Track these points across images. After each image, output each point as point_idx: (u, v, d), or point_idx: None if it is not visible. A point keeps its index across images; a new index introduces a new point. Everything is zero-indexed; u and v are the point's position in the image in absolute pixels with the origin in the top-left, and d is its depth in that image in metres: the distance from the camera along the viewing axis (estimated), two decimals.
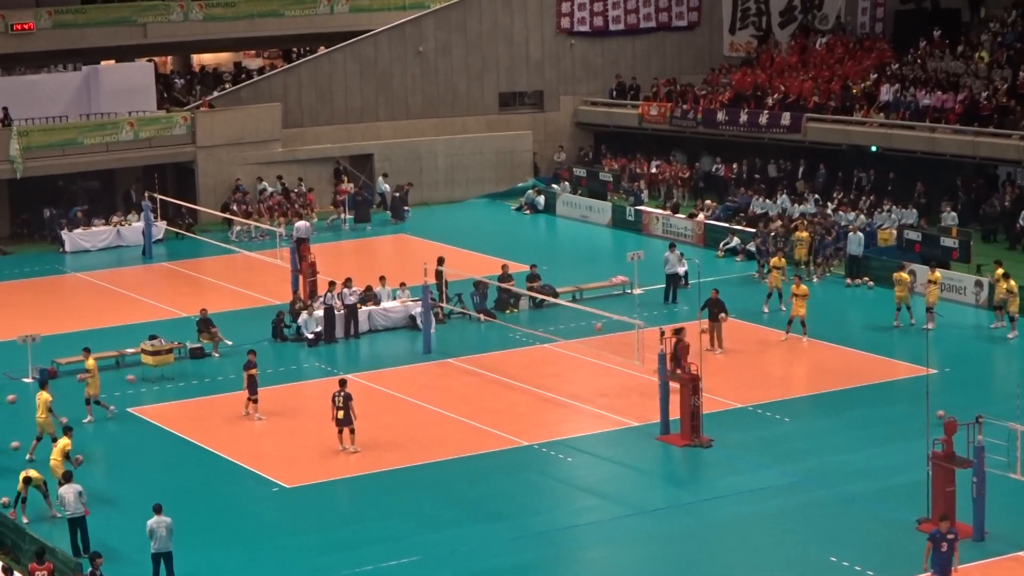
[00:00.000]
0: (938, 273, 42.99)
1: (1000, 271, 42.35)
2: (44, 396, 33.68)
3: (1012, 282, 41.81)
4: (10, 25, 60.27)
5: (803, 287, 41.75)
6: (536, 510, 30.62)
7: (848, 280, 47.23)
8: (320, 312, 42.80)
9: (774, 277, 44.41)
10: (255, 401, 36.33)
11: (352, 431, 33.65)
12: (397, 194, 59.30)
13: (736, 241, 51.24)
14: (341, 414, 33.53)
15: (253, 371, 36.20)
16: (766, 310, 44.08)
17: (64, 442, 31.12)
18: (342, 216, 58.08)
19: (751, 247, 49.57)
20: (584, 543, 29.34)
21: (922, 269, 44.34)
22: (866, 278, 46.82)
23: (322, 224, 57.07)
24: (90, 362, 36.69)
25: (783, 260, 45.12)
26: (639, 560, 28.45)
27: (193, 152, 59.08)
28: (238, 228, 56.16)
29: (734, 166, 59.87)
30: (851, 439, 33.90)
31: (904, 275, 42.76)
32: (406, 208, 58.92)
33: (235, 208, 57.20)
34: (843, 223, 49.74)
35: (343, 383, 34.10)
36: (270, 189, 58.77)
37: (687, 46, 66.97)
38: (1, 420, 36.08)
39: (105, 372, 40.14)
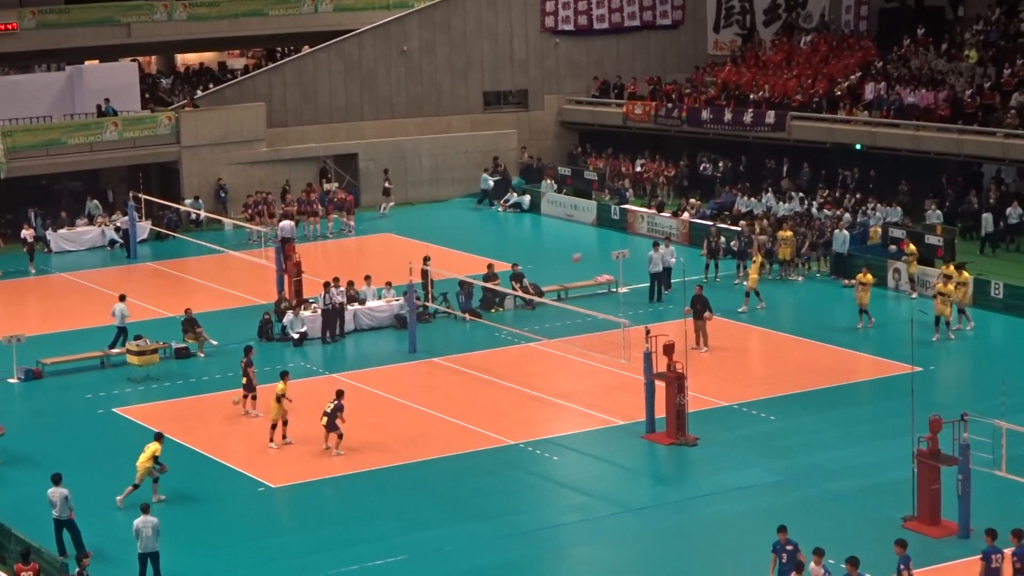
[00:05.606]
0: (870, 276, 42.89)
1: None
2: (154, 446, 31.25)
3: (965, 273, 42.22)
4: None
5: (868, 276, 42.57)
6: (522, 509, 30.63)
7: (844, 281, 46.83)
8: (307, 312, 42.78)
9: (753, 279, 44.42)
10: (254, 398, 36.39)
11: (339, 436, 33.56)
12: (534, 165, 59.67)
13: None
14: (324, 420, 33.49)
15: (251, 368, 36.30)
16: (744, 308, 44.16)
17: (155, 446, 30.99)
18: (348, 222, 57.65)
19: (733, 245, 49.44)
20: (570, 541, 29.35)
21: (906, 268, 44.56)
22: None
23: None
24: None
25: (760, 258, 45.13)
26: (625, 558, 28.47)
27: (177, 152, 58.98)
28: (264, 230, 51.77)
29: (720, 164, 59.95)
30: (836, 437, 33.98)
31: (868, 277, 42.72)
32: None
33: (281, 210, 55.44)
34: (823, 220, 49.93)
35: (339, 394, 33.85)
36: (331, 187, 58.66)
37: (671, 45, 67.01)
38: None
39: (90, 372, 40.23)
